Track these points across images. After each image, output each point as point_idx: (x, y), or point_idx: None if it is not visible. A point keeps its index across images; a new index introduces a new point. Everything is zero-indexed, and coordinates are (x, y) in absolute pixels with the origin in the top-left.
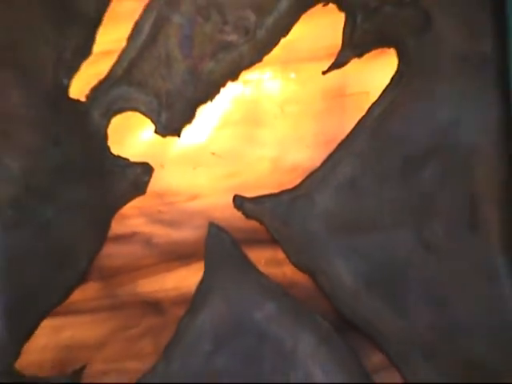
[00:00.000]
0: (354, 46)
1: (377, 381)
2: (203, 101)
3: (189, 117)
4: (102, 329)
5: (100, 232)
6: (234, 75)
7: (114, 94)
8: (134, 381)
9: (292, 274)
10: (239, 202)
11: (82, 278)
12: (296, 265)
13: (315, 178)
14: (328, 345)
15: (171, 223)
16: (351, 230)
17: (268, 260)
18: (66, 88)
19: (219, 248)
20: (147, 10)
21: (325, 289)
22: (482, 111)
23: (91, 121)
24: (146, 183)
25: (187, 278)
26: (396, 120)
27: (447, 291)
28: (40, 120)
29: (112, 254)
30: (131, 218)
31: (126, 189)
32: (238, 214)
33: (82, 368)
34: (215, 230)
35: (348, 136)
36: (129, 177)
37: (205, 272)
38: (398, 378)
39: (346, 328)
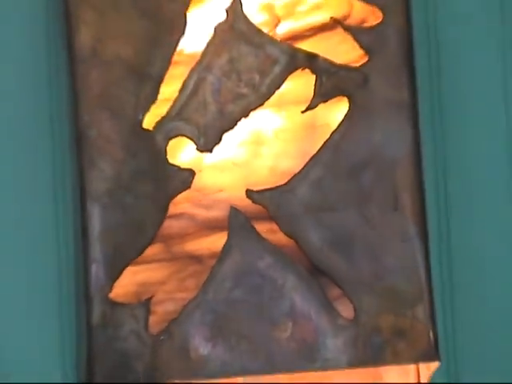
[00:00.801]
0: (321, 95)
1: (334, 305)
2: (227, 130)
3: (218, 140)
4: (162, 273)
5: (162, 212)
6: (246, 114)
7: (170, 125)
8: (182, 305)
9: (283, 239)
10: (249, 193)
11: (151, 241)
12: (285, 233)
13: (297, 178)
14: (305, 282)
15: (206, 207)
16: (319, 211)
17: (268, 230)
18: (141, 122)
19: (237, 222)
20: (191, 72)
21: (303, 248)
22: (401, 136)
23: (156, 142)
24: (191, 182)
25: (217, 241)
26: (347, 142)
27: (379, 249)
28: (123, 141)
29: (169, 226)
30: (181, 203)
31: (178, 185)
32: (249, 201)
33: (151, 297)
34: (234, 211)
35: (317, 152)
36: (179, 178)
37: (228, 237)
38: (349, 304)
39: (316, 273)
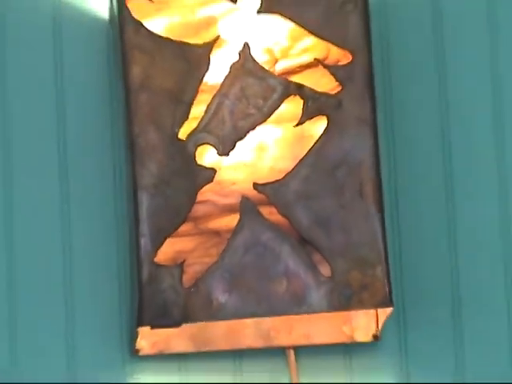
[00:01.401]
0: (307, 114)
1: (317, 266)
2: (239, 140)
3: (232, 147)
4: (192, 243)
5: (191, 199)
6: (253, 128)
7: (198, 136)
8: (206, 267)
9: (280, 219)
10: (255, 186)
11: (184, 220)
12: (281, 214)
13: (290, 175)
14: (296, 250)
15: (224, 195)
16: (307, 198)
17: (268, 212)
18: (177, 133)
19: (246, 207)
20: (212, 101)
21: (294, 225)
22: (365, 144)
23: (188, 149)
24: (213, 177)
25: (232, 221)
26: (326, 148)
27: (349, 226)
28: (164, 148)
29: (197, 209)
30: (206, 193)
31: (203, 180)
32: (255, 191)
33: (183, 261)
34: (244, 199)
35: (304, 155)
36: (205, 174)
37: (239, 218)
38: (327, 265)
39: (304, 243)
